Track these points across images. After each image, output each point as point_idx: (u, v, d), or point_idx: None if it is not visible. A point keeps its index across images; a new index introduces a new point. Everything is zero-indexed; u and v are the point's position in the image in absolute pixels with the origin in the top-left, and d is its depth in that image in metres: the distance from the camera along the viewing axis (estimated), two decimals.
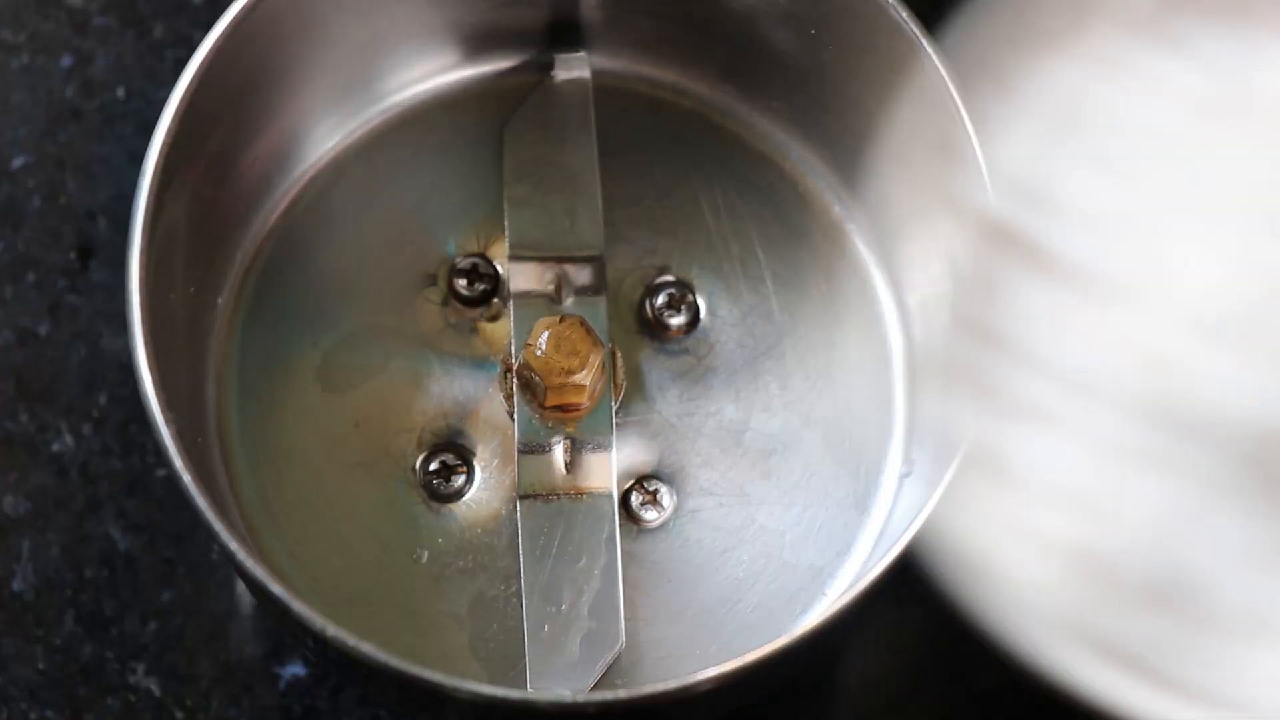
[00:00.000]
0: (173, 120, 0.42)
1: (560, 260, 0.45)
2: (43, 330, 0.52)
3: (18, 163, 0.54)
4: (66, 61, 0.55)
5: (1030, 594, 0.28)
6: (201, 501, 0.38)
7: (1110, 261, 0.29)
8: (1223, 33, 0.28)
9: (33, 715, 0.48)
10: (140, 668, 0.48)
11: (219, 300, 0.45)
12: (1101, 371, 0.28)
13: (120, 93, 0.54)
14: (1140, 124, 0.29)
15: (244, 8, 0.42)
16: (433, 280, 0.46)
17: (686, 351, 0.45)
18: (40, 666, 0.48)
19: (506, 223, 0.46)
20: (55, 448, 0.51)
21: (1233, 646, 0.28)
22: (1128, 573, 0.28)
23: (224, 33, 0.42)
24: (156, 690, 0.48)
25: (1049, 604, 0.28)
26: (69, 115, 0.54)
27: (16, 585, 0.49)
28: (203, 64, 0.42)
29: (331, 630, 0.37)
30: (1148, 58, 0.29)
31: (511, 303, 0.45)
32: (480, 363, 0.45)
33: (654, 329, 0.46)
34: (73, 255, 0.52)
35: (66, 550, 0.49)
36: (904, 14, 0.40)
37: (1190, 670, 0.28)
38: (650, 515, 0.44)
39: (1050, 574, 0.28)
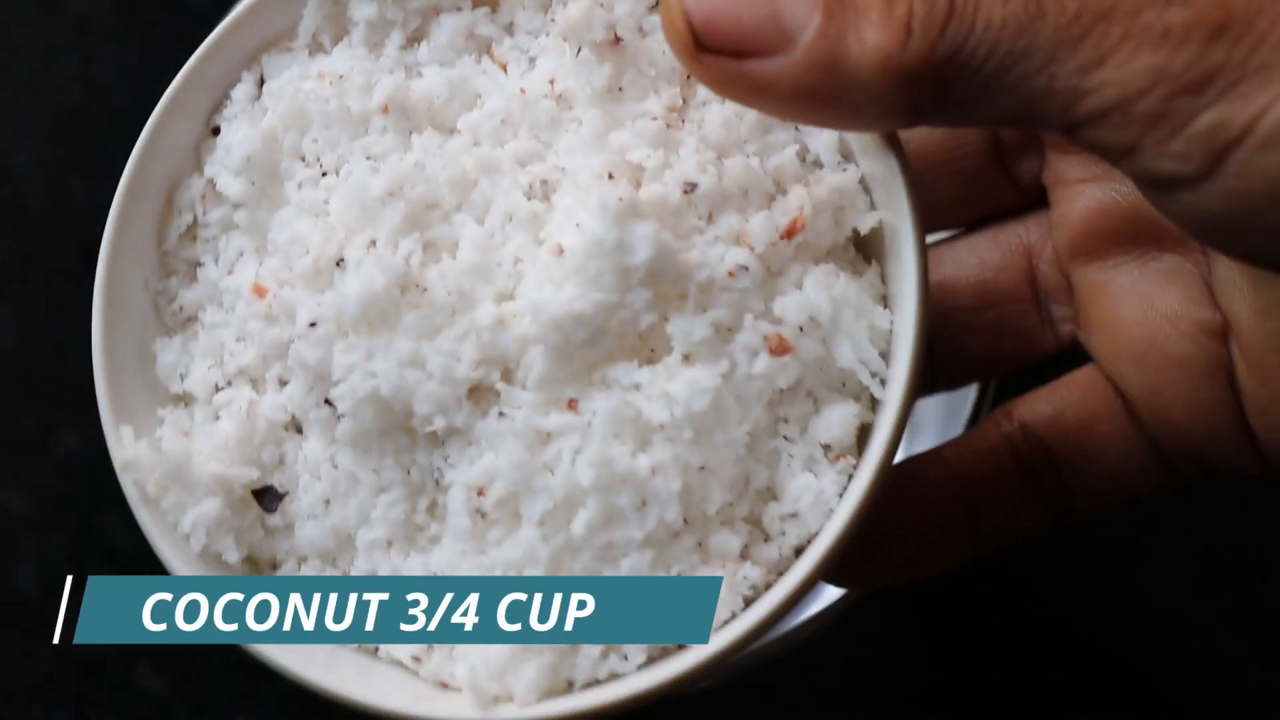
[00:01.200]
0: None
1: None
2: (47, 330, 0.52)
3: (22, 164, 0.54)
4: (70, 63, 0.55)
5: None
6: None
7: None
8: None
9: (36, 713, 0.48)
10: (143, 665, 0.48)
11: None
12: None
13: (123, 94, 0.54)
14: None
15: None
16: None
17: None
18: (43, 665, 0.48)
19: None
20: (58, 448, 0.51)
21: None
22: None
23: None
24: (160, 688, 0.48)
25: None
26: (73, 117, 0.54)
27: (20, 584, 0.49)
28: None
29: None
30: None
31: None
32: None
33: None
34: (77, 256, 0.52)
35: (69, 550, 0.49)
36: None
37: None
38: None
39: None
